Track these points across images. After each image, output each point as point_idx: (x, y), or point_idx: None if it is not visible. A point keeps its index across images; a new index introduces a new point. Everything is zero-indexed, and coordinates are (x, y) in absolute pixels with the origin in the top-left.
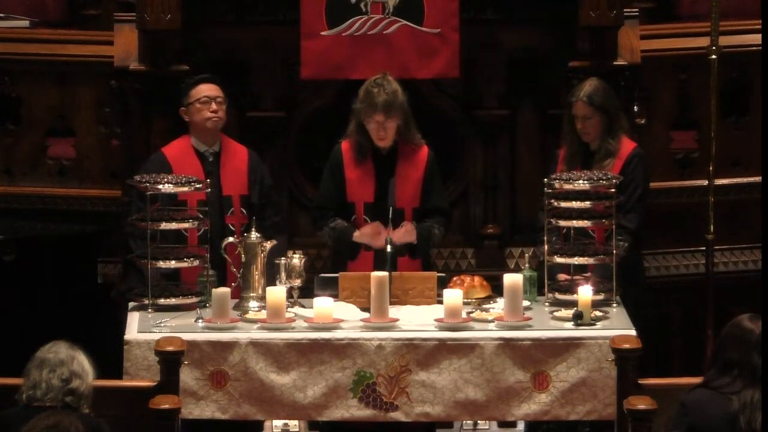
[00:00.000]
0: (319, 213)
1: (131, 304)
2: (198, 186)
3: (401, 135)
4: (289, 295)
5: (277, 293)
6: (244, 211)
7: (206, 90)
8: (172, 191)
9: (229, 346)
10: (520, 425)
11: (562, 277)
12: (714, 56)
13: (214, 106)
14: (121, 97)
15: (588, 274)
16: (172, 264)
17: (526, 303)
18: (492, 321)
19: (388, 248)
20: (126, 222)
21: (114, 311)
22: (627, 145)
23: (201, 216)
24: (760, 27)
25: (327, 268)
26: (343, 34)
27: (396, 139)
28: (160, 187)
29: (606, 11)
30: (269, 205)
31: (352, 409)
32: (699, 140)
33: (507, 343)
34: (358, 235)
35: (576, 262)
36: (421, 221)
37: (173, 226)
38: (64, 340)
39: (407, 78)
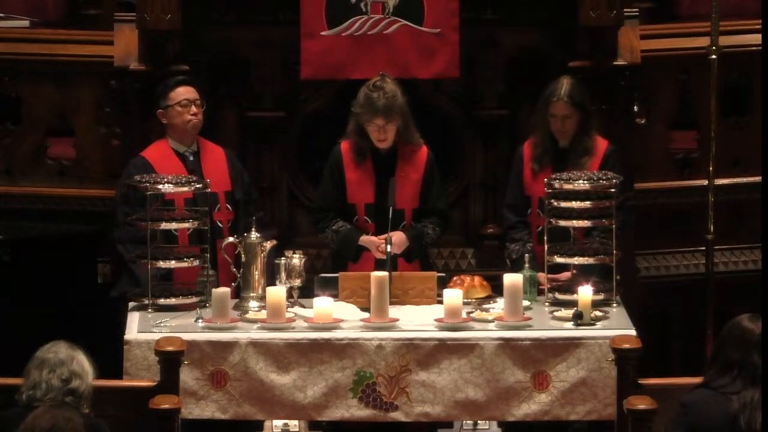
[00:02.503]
0: (320, 215)
1: (131, 304)
2: (198, 186)
3: (401, 136)
4: (289, 295)
5: (277, 293)
6: (229, 207)
7: (185, 93)
8: (173, 191)
9: (229, 346)
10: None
11: (541, 276)
12: (714, 56)
13: (193, 108)
14: (121, 97)
15: (572, 272)
16: (172, 264)
17: (526, 303)
18: (492, 321)
19: (388, 248)
20: (121, 226)
21: (114, 311)
22: (601, 143)
23: (198, 214)
24: (760, 27)
25: (327, 268)
26: (343, 34)
27: (395, 140)
28: (160, 187)
29: (606, 11)
30: (251, 201)
31: (352, 409)
32: (699, 140)
33: (507, 343)
34: (365, 240)
35: (576, 262)
36: (417, 222)
37: (174, 225)
38: (64, 340)
39: (407, 78)
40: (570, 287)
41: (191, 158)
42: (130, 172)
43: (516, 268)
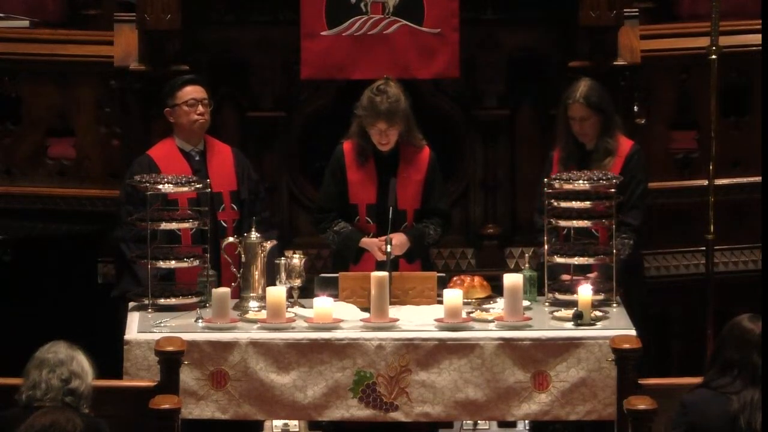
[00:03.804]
0: (321, 215)
1: (131, 304)
2: (199, 186)
3: (403, 138)
4: (289, 295)
5: (277, 293)
6: (234, 207)
7: (192, 92)
8: (173, 191)
9: (229, 346)
10: (520, 425)
11: (566, 277)
12: (714, 56)
13: (200, 108)
14: (121, 97)
15: (594, 274)
16: (172, 264)
17: (526, 303)
18: (492, 321)
19: (388, 248)
20: (125, 225)
21: (114, 311)
22: (625, 143)
23: (199, 214)
24: (760, 27)
25: (327, 268)
26: (343, 34)
27: (398, 141)
28: (161, 187)
29: (606, 11)
30: (258, 201)
31: (352, 409)
32: (699, 140)
33: (507, 343)
34: (366, 242)
35: (576, 262)
36: (419, 222)
37: (174, 225)
38: (64, 340)
39: (407, 78)
40: (571, 287)
41: (197, 157)
42: (134, 171)
43: (541, 270)
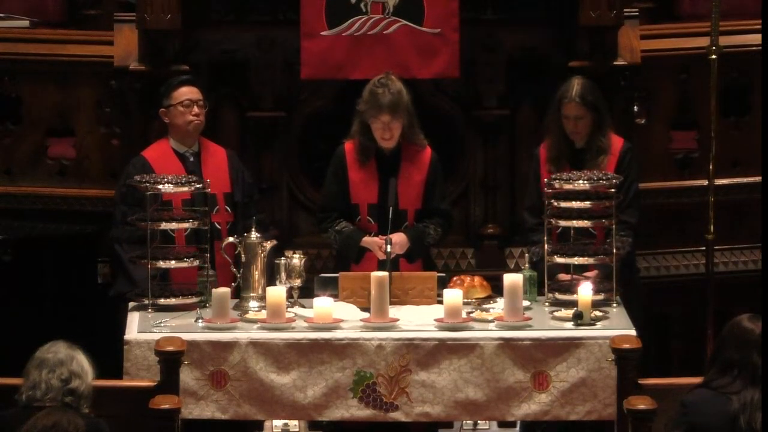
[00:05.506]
0: (323, 215)
1: (131, 304)
2: (198, 186)
3: (405, 136)
4: (289, 295)
5: (277, 293)
6: (228, 208)
7: (188, 93)
8: (173, 191)
9: (229, 346)
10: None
11: (563, 276)
12: (714, 56)
13: (196, 109)
14: (121, 97)
15: (594, 273)
16: (172, 264)
17: (526, 303)
18: (492, 321)
19: (388, 248)
20: (119, 226)
21: (114, 311)
22: (616, 141)
23: (198, 214)
24: (760, 27)
25: (327, 268)
26: (343, 34)
27: (399, 140)
28: (161, 187)
29: (606, 11)
30: (252, 203)
31: (352, 409)
32: (699, 140)
33: (507, 343)
34: (367, 241)
35: (576, 262)
36: (419, 222)
37: (174, 225)
38: (63, 340)
39: (407, 78)
40: (570, 287)
41: (191, 159)
42: (129, 172)
43: (539, 269)
